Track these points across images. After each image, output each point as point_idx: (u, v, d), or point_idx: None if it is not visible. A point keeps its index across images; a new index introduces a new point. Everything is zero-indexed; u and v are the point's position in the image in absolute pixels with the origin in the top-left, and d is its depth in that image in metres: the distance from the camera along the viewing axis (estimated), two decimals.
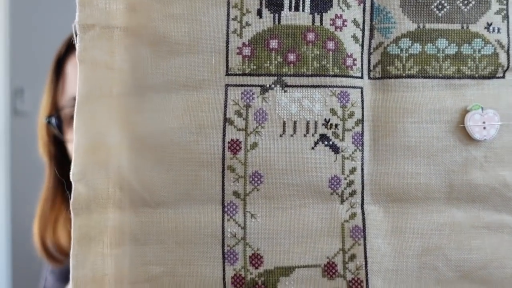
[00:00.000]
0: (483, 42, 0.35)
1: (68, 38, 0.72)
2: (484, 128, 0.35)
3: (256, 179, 0.34)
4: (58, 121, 0.73)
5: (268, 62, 0.34)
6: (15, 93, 1.88)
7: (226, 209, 0.34)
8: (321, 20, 0.34)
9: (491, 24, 0.35)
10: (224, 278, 0.34)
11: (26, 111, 1.86)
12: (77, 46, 0.35)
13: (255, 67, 0.34)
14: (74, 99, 0.74)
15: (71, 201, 0.35)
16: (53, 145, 0.76)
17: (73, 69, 0.72)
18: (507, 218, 0.35)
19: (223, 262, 0.34)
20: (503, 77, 0.36)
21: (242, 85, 0.34)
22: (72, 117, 0.71)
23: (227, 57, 0.34)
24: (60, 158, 0.75)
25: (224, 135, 0.34)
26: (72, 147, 0.72)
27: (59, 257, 0.73)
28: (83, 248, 0.34)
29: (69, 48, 0.73)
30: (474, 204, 0.35)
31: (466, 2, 0.35)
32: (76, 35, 0.35)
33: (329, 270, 0.34)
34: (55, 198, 0.75)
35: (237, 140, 0.34)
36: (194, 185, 0.34)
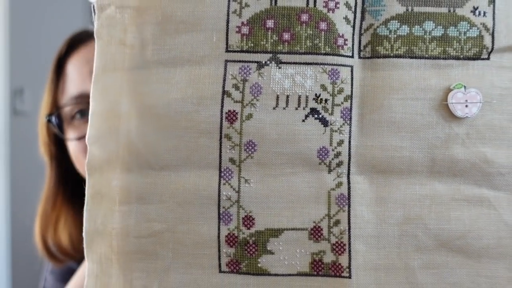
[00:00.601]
0: (469, 25, 0.37)
1: (68, 38, 0.76)
2: (466, 106, 0.37)
3: (250, 147, 0.37)
4: (58, 120, 0.74)
5: (265, 40, 0.37)
6: (14, 93, 1.88)
7: (222, 174, 0.37)
8: (315, 2, 0.37)
9: (477, 8, 0.37)
10: (219, 236, 0.37)
11: (26, 111, 1.87)
12: (95, 24, 0.39)
13: (252, 44, 0.37)
14: (75, 98, 0.76)
15: (86, 162, 0.39)
16: (54, 145, 0.77)
17: (73, 69, 0.75)
18: (486, 192, 0.37)
19: (218, 222, 0.37)
20: (488, 58, 0.37)
21: (240, 61, 0.37)
22: (72, 117, 0.74)
23: (227, 35, 0.37)
24: (61, 158, 0.77)
25: (222, 106, 0.37)
26: (72, 146, 0.75)
27: (60, 256, 0.75)
28: (95, 204, 0.39)
29: (69, 48, 0.75)
30: (455, 178, 0.37)
31: None
32: (94, 14, 0.39)
33: (315, 233, 0.37)
34: (56, 198, 0.77)
35: (234, 111, 0.37)
36: (194, 151, 0.37)
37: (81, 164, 0.74)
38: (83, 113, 0.73)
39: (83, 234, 0.39)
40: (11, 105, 1.87)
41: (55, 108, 0.75)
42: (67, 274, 0.77)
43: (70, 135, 0.74)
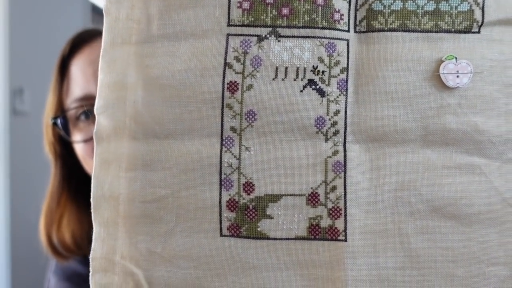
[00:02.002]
0: (460, 0, 0.39)
1: (72, 38, 0.77)
2: (458, 76, 0.38)
3: (250, 116, 0.39)
4: (63, 121, 0.75)
5: (264, 15, 0.39)
6: (14, 93, 1.86)
7: (224, 142, 0.39)
8: None
9: None
10: (220, 202, 0.39)
11: (25, 111, 1.86)
12: (104, 1, 0.41)
13: (253, 19, 0.39)
14: (79, 99, 0.75)
15: (94, 131, 0.41)
16: (59, 144, 0.78)
17: (77, 70, 0.75)
18: (477, 160, 0.39)
19: (220, 188, 0.39)
20: (478, 32, 0.39)
21: (241, 35, 0.39)
22: (76, 118, 0.75)
23: (229, 10, 0.39)
24: (66, 156, 0.78)
25: (224, 77, 0.39)
26: (78, 148, 0.75)
27: (63, 252, 0.76)
28: (103, 171, 0.40)
29: (73, 48, 0.75)
30: (448, 146, 0.39)
31: None
32: None
33: (312, 199, 0.39)
34: (61, 195, 0.78)
35: (235, 81, 0.39)
36: (197, 120, 0.39)
37: (88, 164, 0.75)
38: (88, 114, 0.74)
39: (91, 199, 0.41)
40: (11, 105, 1.86)
41: (60, 110, 0.76)
42: (70, 275, 0.78)
43: (77, 137, 0.75)
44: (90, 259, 0.41)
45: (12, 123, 1.85)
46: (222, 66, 0.39)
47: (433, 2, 0.39)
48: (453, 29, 0.39)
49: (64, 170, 0.79)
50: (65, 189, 0.78)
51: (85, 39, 0.78)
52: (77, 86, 0.76)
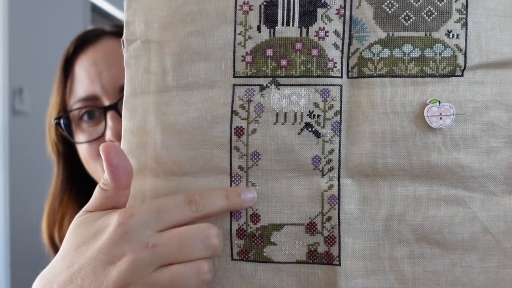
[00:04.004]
0: (443, 47, 0.42)
1: (76, 38, 0.76)
2: (441, 118, 0.42)
3: (255, 156, 0.44)
4: (66, 121, 0.76)
5: (265, 66, 0.44)
6: (13, 93, 1.85)
7: (233, 179, 0.45)
8: (307, 32, 0.43)
9: (451, 31, 0.42)
10: (231, 230, 0.45)
11: (25, 111, 1.85)
12: (124, 55, 0.47)
13: (255, 70, 0.44)
14: (82, 100, 0.75)
15: None
16: (62, 144, 0.78)
17: (81, 70, 0.75)
18: (461, 193, 0.43)
19: (231, 219, 0.45)
20: (462, 75, 0.42)
21: (245, 85, 0.44)
22: (80, 118, 0.76)
23: (234, 63, 0.44)
24: (69, 156, 0.78)
25: (231, 123, 0.44)
26: (81, 149, 0.75)
27: None
28: (129, 204, 0.47)
29: (77, 48, 0.75)
30: (433, 180, 0.43)
31: (429, 13, 0.42)
32: (123, 47, 0.47)
33: (311, 228, 0.44)
34: (63, 195, 0.79)
35: (241, 127, 0.44)
36: (209, 161, 0.45)
37: (90, 166, 0.77)
38: (91, 115, 0.76)
39: None
40: (10, 105, 1.86)
41: (64, 111, 0.76)
42: None
43: (80, 138, 0.76)
44: None
45: (11, 123, 1.86)
46: (230, 114, 0.44)
47: (418, 49, 0.42)
48: (437, 74, 0.42)
49: (66, 170, 0.80)
50: (68, 189, 0.79)
51: (89, 39, 0.77)
52: (81, 86, 0.75)
